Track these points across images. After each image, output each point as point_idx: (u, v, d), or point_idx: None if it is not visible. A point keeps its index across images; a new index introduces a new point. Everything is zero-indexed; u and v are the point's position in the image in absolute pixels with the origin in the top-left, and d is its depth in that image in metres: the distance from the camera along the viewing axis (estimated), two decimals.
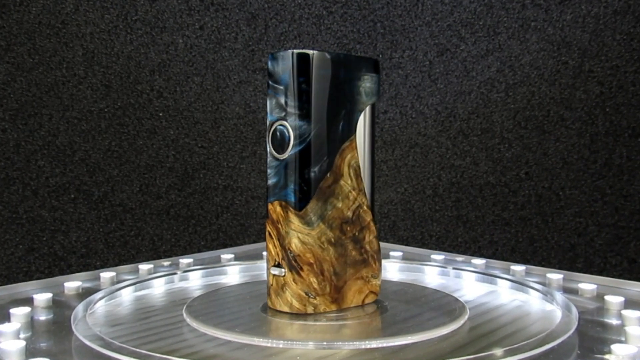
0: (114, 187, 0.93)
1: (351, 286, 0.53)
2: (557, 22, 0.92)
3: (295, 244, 0.50)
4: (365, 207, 0.53)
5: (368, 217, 0.54)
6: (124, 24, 0.92)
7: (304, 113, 0.49)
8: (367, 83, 0.53)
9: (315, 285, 0.51)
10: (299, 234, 0.50)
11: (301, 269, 0.51)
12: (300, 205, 0.50)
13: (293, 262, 0.50)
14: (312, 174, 0.50)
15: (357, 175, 0.53)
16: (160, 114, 0.95)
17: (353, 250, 0.53)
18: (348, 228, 0.52)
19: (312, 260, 0.50)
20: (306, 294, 0.51)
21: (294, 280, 0.51)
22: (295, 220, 0.50)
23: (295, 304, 0.51)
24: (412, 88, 1.00)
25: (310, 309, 0.51)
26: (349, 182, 0.52)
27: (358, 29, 1.00)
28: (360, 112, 0.53)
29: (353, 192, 0.52)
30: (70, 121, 0.91)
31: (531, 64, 0.94)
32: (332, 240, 0.51)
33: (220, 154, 0.98)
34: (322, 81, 0.50)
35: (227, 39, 0.97)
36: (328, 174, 0.51)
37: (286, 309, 0.51)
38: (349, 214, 0.52)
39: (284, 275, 0.51)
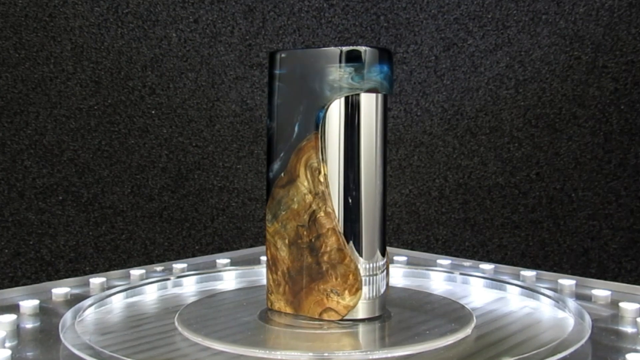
0: (104, 189, 0.93)
1: (307, 295, 0.52)
2: (569, 15, 0.93)
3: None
4: (323, 213, 0.50)
5: (328, 225, 0.50)
6: (115, 17, 0.93)
7: (267, 112, 0.54)
8: (331, 76, 0.50)
9: (270, 282, 0.53)
10: (265, 229, 0.54)
11: (266, 262, 0.55)
12: (266, 202, 0.54)
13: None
14: (270, 173, 0.53)
15: (314, 177, 0.50)
16: (153, 112, 0.95)
17: (309, 257, 0.51)
18: (304, 232, 0.51)
19: (268, 257, 0.54)
20: (267, 287, 0.54)
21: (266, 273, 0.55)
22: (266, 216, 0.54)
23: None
24: (417, 84, 1.01)
25: (268, 303, 0.54)
26: (305, 184, 0.51)
27: (360, 23, 1.01)
28: (324, 108, 0.50)
29: (309, 195, 0.51)
30: (58, 119, 0.91)
31: (542, 59, 0.94)
32: (287, 241, 0.52)
33: (216, 154, 0.98)
34: (283, 79, 0.52)
35: (223, 32, 0.98)
36: (282, 174, 0.52)
37: None
38: (305, 217, 0.51)
39: None
